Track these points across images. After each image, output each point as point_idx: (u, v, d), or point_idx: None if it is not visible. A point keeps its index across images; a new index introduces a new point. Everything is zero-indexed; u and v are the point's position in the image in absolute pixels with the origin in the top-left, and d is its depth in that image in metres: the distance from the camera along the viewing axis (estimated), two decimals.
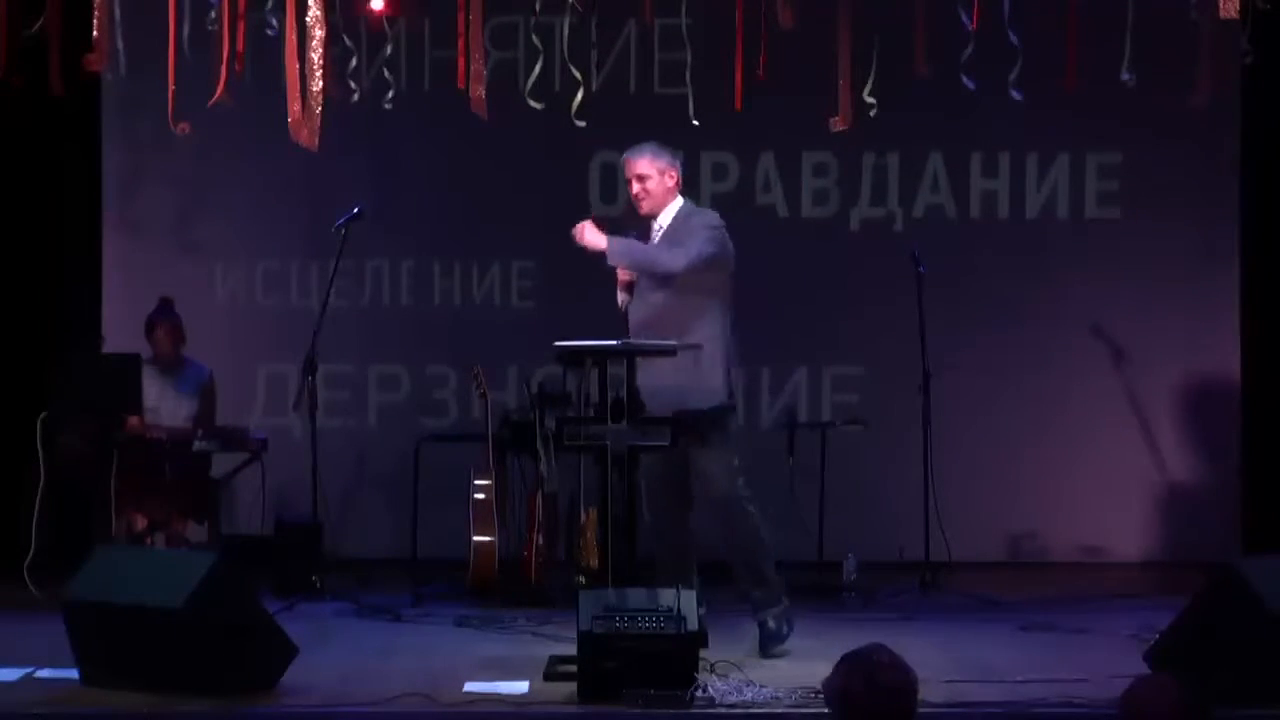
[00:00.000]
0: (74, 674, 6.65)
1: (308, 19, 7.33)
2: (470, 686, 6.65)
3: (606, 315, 9.02)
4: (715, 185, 10.10)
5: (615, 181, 9.91)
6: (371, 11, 7.86)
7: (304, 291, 9.98)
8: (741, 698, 6.39)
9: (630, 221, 7.50)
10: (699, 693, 6.40)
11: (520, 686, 6.65)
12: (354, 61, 7.83)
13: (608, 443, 7.39)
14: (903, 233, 9.78)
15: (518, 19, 9.12)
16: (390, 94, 8.31)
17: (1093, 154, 10.06)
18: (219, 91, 7.60)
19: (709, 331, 7.28)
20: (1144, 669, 6.37)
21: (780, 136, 10.00)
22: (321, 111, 7.40)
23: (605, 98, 9.42)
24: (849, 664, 3.93)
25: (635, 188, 7.36)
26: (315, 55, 7.36)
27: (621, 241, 7.32)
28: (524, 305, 10.04)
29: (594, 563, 8.56)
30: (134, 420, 8.96)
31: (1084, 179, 10.07)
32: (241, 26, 7.57)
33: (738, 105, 7.78)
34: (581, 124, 7.94)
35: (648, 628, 6.44)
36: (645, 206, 7.36)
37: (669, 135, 9.81)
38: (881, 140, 9.96)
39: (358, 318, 9.82)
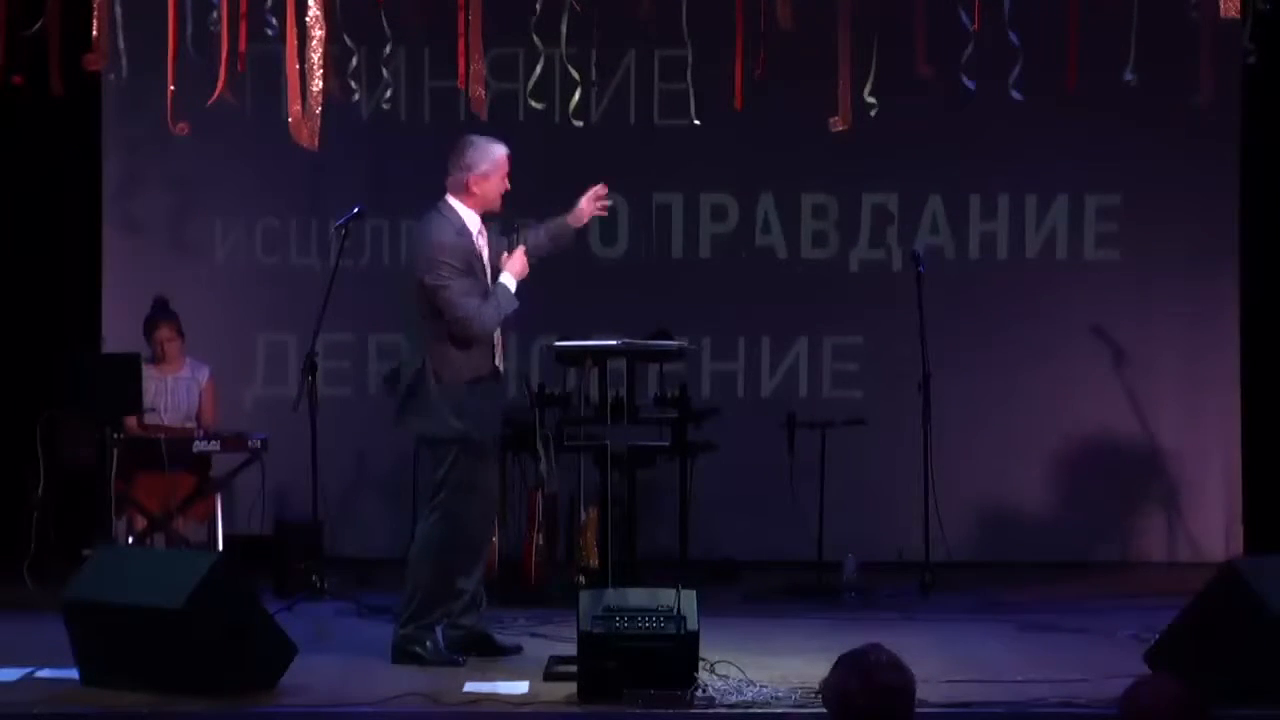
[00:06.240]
0: (74, 674, 6.65)
1: (307, 19, 7.32)
2: (470, 686, 6.65)
3: (604, 315, 9.07)
4: (714, 226, 10.11)
5: (615, 221, 9.93)
6: None
7: (304, 273, 9.95)
8: (741, 698, 6.40)
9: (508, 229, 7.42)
10: (699, 693, 6.40)
11: (520, 686, 6.65)
12: (354, 61, 7.83)
13: (608, 443, 7.39)
14: (901, 273, 9.76)
15: (518, 50, 9.10)
16: (389, 93, 8.32)
17: (1091, 196, 10.04)
18: (218, 91, 7.59)
19: None
20: (1144, 669, 6.38)
21: (779, 178, 10.01)
22: (321, 112, 7.39)
23: (605, 135, 9.50)
24: (846, 664, 3.93)
25: (508, 183, 7.21)
26: (315, 55, 7.35)
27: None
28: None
29: (594, 563, 8.57)
30: (134, 420, 8.97)
31: (1083, 201, 10.06)
32: (243, 26, 7.56)
33: (739, 105, 7.76)
34: (579, 124, 7.94)
35: (648, 628, 6.43)
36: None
37: (671, 169, 9.92)
38: (880, 182, 9.99)
39: (357, 282, 9.60)
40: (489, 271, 7.19)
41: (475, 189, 7.13)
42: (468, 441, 7.09)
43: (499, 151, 7.16)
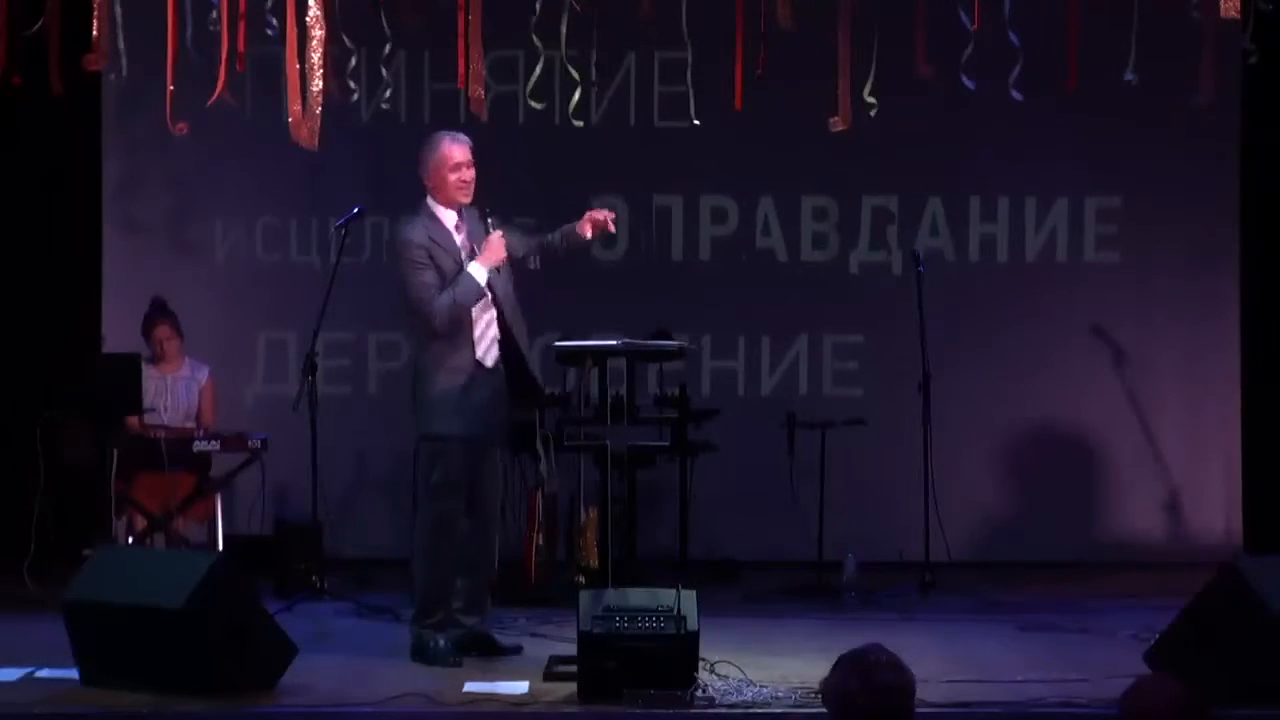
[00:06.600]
0: (74, 674, 6.65)
1: (308, 19, 7.32)
2: (470, 686, 6.65)
3: (604, 315, 9.06)
4: (714, 229, 10.10)
5: (615, 223, 9.91)
6: None
7: (304, 270, 9.93)
8: (741, 698, 6.40)
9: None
10: (699, 693, 6.40)
11: (520, 686, 6.65)
12: (353, 61, 7.83)
13: (608, 443, 7.39)
14: (901, 276, 9.77)
15: (518, 52, 9.11)
16: (388, 93, 8.31)
17: (1091, 198, 10.04)
18: (218, 91, 7.59)
19: None
20: (1144, 669, 6.38)
21: (779, 180, 10.01)
22: (321, 112, 7.39)
23: (605, 137, 9.51)
24: (846, 663, 3.93)
25: (466, 174, 7.16)
26: (315, 56, 7.35)
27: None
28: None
29: (594, 563, 8.57)
30: (134, 420, 8.97)
31: (1083, 203, 10.06)
32: (242, 26, 7.56)
33: (738, 105, 7.76)
34: (579, 124, 7.95)
35: (648, 628, 6.43)
36: (470, 194, 7.20)
37: (671, 172, 9.92)
38: (880, 184, 9.99)
39: (357, 280, 9.51)
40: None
41: (430, 183, 7.20)
42: (451, 439, 7.10)
43: (442, 144, 7.19)
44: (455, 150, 7.16)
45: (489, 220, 7.20)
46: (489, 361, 7.15)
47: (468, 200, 7.20)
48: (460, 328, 7.10)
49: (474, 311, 7.13)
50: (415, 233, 7.14)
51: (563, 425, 8.45)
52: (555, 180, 9.80)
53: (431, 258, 7.09)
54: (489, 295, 7.15)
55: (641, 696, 6.32)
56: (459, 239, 7.18)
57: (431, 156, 7.17)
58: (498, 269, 7.15)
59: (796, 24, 7.54)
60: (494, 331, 7.18)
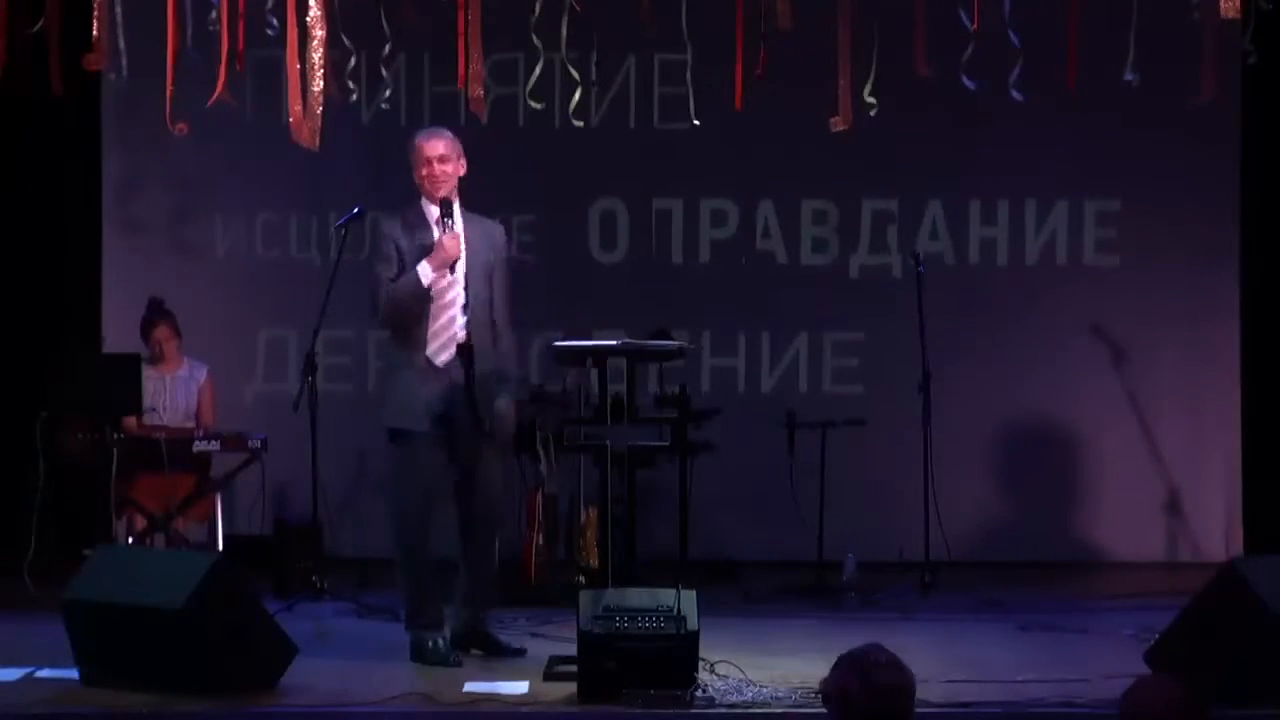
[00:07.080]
0: (74, 674, 6.66)
1: (308, 19, 7.33)
2: (470, 686, 6.66)
3: (604, 315, 9.06)
4: (714, 232, 10.10)
5: (615, 226, 9.93)
6: None
7: (304, 268, 9.94)
8: (741, 698, 6.41)
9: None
10: (699, 693, 6.40)
11: (520, 686, 6.65)
12: (353, 62, 7.83)
13: (607, 443, 7.39)
14: (902, 280, 9.77)
15: (518, 54, 9.11)
16: (388, 93, 8.31)
17: (1091, 200, 10.04)
18: (218, 91, 7.59)
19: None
20: (1144, 669, 6.38)
21: (779, 183, 10.01)
22: (322, 112, 7.39)
23: (604, 139, 9.50)
24: (846, 664, 3.93)
25: (436, 169, 7.15)
26: (316, 55, 7.36)
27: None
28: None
29: (594, 563, 8.57)
30: (133, 420, 8.97)
31: (1083, 206, 10.06)
32: (242, 26, 7.56)
33: (738, 106, 7.76)
34: (579, 123, 7.95)
35: (648, 628, 6.44)
36: (444, 189, 7.17)
37: (670, 174, 9.93)
38: (880, 187, 9.99)
39: (357, 277, 9.52)
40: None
41: (415, 180, 7.25)
42: (403, 434, 7.13)
43: (416, 140, 7.28)
44: (425, 145, 7.22)
45: (448, 220, 7.19)
46: (439, 361, 7.14)
47: (440, 194, 7.21)
48: (416, 324, 7.14)
49: (432, 309, 7.14)
50: (389, 224, 7.25)
51: (563, 425, 8.46)
52: (555, 181, 9.82)
53: (398, 249, 7.16)
54: (462, 298, 7.16)
55: (641, 696, 6.33)
56: (438, 234, 7.19)
57: (409, 153, 7.27)
58: (450, 268, 7.14)
59: (796, 24, 7.54)
60: (453, 332, 7.16)
